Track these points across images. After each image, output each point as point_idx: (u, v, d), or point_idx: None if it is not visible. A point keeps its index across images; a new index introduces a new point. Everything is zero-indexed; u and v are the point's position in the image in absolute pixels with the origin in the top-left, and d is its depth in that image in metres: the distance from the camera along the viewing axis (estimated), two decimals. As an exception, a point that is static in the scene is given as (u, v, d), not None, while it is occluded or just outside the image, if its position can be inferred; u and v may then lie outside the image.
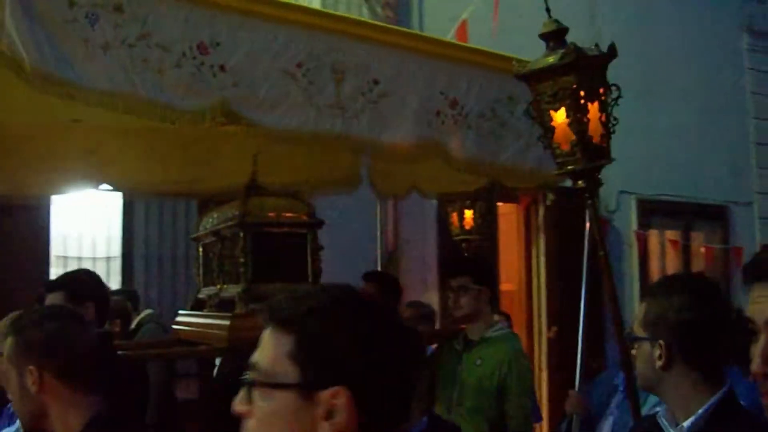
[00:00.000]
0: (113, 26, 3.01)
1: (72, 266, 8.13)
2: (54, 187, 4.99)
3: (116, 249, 8.32)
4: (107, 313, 3.79)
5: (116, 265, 8.29)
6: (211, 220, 4.36)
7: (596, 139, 3.34)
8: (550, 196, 7.53)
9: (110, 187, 5.21)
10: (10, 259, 6.33)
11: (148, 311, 6.64)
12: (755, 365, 1.49)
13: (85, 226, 8.36)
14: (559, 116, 3.31)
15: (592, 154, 3.32)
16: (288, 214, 4.08)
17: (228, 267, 4.12)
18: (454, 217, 5.89)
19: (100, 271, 7.74)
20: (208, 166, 4.92)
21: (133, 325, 6.13)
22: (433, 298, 7.05)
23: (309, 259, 4.06)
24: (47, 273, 7.30)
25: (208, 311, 4.21)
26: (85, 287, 3.64)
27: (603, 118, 3.32)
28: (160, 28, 3.11)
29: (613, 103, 3.39)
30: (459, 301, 4.10)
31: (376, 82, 3.55)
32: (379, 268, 6.81)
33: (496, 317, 4.77)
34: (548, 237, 8.16)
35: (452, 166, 3.87)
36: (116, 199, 7.94)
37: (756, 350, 1.50)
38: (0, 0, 2.77)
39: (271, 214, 4.04)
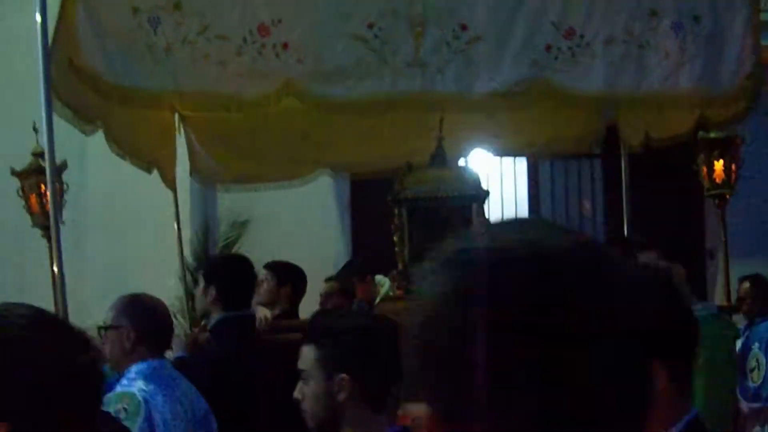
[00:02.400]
0: (174, 26, 3.16)
1: None
2: (281, 174, 4.88)
3: (523, 212, 8.16)
4: None
5: None
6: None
7: None
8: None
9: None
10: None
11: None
12: None
13: (493, 190, 8.54)
14: None
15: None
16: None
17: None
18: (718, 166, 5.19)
19: None
20: (420, 140, 4.80)
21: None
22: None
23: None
24: None
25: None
26: None
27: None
28: (219, 18, 3.18)
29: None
30: None
31: (464, 28, 3.24)
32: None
33: None
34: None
35: (574, 105, 3.41)
36: (521, 163, 7.91)
37: None
38: (72, 19, 3.06)
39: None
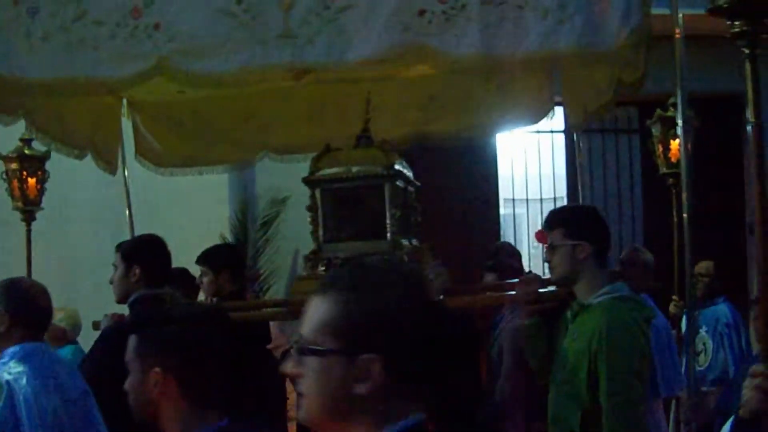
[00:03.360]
0: (51, 15, 3.26)
1: (521, 209, 8.51)
2: (225, 157, 5.00)
3: (562, 189, 8.21)
4: None
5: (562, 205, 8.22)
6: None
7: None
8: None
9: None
10: (464, 203, 6.89)
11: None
12: None
13: (531, 167, 8.37)
14: None
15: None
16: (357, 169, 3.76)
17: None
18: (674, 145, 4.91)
19: (547, 211, 8.03)
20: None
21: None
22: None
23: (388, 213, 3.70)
24: (497, 215, 7.92)
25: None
26: None
27: None
28: (96, 5, 3.26)
29: None
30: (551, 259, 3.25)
31: (333, -4, 3.22)
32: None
33: None
34: None
35: (451, 70, 3.33)
36: (559, 138, 7.95)
37: None
38: None
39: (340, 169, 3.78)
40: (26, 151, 4.76)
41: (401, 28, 3.21)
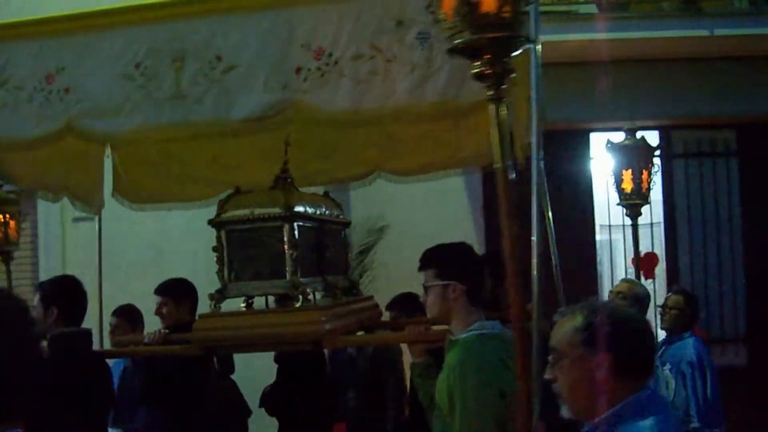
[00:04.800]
0: (-22, 80, 3.65)
1: (617, 234, 8.57)
2: (195, 195, 5.20)
3: (658, 214, 8.32)
4: None
5: (659, 231, 8.32)
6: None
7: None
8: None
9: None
10: (560, 230, 6.97)
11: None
12: None
13: None
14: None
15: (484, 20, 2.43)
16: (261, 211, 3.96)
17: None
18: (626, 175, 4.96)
19: (643, 237, 7.98)
20: (325, 161, 4.98)
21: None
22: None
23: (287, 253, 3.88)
24: (593, 241, 8.05)
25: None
26: None
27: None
28: (17, 69, 3.63)
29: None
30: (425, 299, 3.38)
31: (219, 59, 3.44)
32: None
33: None
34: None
35: (326, 125, 3.48)
36: (655, 162, 8.07)
37: None
38: None
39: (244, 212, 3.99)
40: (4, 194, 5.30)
41: (280, 87, 3.39)
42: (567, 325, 2.33)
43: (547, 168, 3.25)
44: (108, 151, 4.82)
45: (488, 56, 2.44)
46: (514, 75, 2.49)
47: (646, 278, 8.18)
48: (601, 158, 7.76)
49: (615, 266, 9.15)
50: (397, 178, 5.15)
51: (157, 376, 4.42)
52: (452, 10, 2.43)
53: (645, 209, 8.21)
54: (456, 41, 2.45)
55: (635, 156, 5.70)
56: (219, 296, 3.93)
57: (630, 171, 5.63)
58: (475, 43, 2.43)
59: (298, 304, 3.85)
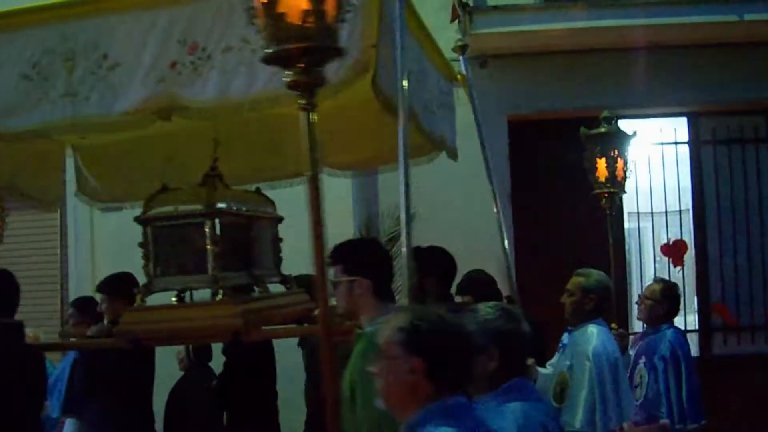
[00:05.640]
0: None
1: (645, 222, 8.51)
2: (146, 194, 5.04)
3: (687, 201, 8.24)
4: None
5: (688, 219, 8.21)
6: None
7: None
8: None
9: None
10: (589, 217, 6.96)
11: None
12: None
13: (656, 180, 8.35)
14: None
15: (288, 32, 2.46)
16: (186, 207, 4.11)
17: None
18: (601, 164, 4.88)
19: (672, 225, 8.16)
20: (273, 158, 5.06)
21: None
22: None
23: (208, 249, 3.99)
24: (622, 229, 7.92)
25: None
26: None
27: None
28: None
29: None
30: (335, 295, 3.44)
31: (105, 57, 3.56)
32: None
33: None
34: None
35: (198, 116, 3.54)
36: (684, 150, 8.07)
37: None
38: None
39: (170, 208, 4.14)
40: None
41: (156, 81, 3.49)
42: (390, 325, 2.38)
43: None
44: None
45: (300, 66, 2.49)
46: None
47: (675, 266, 8.09)
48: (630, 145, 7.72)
49: (643, 254, 8.90)
50: (341, 172, 5.22)
51: (96, 370, 4.58)
52: (263, 20, 2.48)
53: (673, 196, 8.07)
54: (265, 52, 2.51)
55: (611, 144, 5.53)
56: (145, 290, 4.08)
57: (604, 159, 5.46)
58: (284, 53, 2.47)
59: (218, 298, 3.95)
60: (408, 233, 3.24)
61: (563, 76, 7.63)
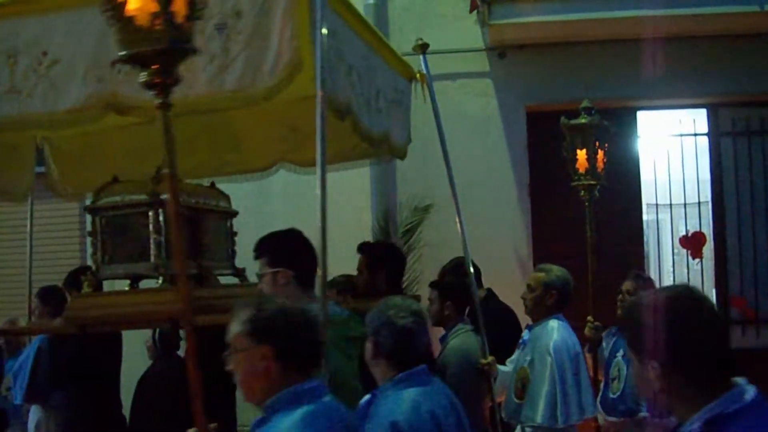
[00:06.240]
0: None
1: (664, 214, 8.48)
2: None
3: (706, 193, 8.17)
4: None
5: (707, 210, 8.14)
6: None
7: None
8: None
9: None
10: (607, 209, 7.11)
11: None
12: None
13: (675, 172, 8.31)
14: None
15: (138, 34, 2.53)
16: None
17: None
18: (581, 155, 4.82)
19: (691, 217, 8.12)
20: (234, 153, 5.16)
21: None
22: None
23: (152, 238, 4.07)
24: (641, 221, 7.98)
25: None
26: None
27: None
28: None
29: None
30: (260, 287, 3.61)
31: (45, 54, 3.59)
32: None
33: None
34: None
35: (138, 116, 3.55)
36: (703, 141, 8.01)
37: None
38: None
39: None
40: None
41: (96, 80, 3.52)
42: (237, 319, 2.46)
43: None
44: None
45: (155, 66, 2.56)
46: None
47: (693, 258, 7.97)
48: (649, 136, 7.76)
49: (662, 245, 8.74)
50: (302, 169, 5.25)
51: (60, 358, 4.66)
52: (116, 24, 2.57)
53: (692, 188, 7.90)
54: (119, 55, 2.58)
55: (591, 135, 5.40)
56: (92, 278, 4.13)
57: (585, 150, 5.33)
58: (136, 56, 2.55)
59: (158, 284, 4.02)
60: (323, 237, 3.20)
61: (582, 67, 7.53)
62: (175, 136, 4.52)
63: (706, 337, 1.86)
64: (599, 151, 5.38)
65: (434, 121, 4.93)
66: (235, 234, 4.60)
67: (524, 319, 5.07)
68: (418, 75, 4.94)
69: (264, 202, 7.15)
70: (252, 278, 4.13)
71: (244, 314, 2.46)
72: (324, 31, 3.24)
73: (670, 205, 8.13)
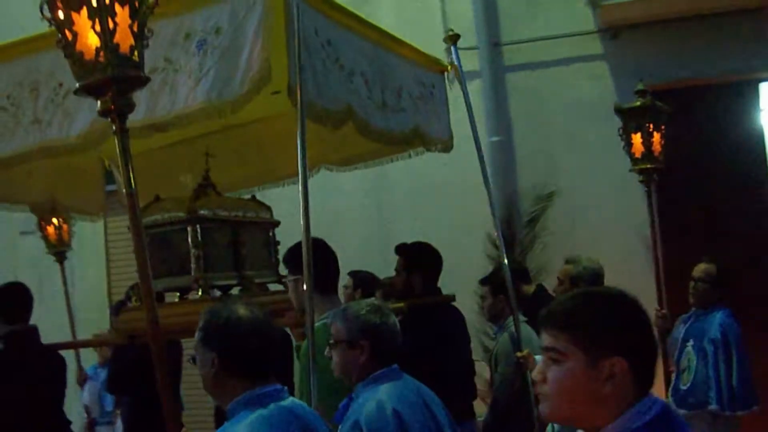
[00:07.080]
0: None
1: None
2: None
3: None
4: None
5: None
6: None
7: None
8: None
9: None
10: (733, 184, 7.04)
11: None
12: None
13: None
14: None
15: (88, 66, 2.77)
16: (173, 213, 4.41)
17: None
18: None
19: None
20: (242, 167, 5.31)
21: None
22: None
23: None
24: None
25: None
26: None
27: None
28: None
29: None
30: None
31: (61, 85, 3.81)
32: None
33: None
34: None
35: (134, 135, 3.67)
36: None
37: None
38: None
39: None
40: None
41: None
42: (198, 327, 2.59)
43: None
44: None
45: (110, 95, 2.78)
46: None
47: None
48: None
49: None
50: (339, 168, 5.42)
51: (121, 365, 4.93)
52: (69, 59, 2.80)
53: None
54: (75, 88, 2.81)
55: (646, 118, 5.17)
56: (139, 291, 4.34)
57: (639, 134, 5.11)
58: (88, 87, 2.79)
59: (197, 296, 4.24)
60: (307, 237, 3.25)
61: (696, 43, 7.20)
62: (216, 152, 4.79)
63: None
64: (655, 134, 5.13)
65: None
66: (278, 243, 4.76)
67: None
68: (449, 67, 4.87)
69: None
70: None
71: (200, 322, 2.58)
72: (296, 42, 3.27)
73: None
